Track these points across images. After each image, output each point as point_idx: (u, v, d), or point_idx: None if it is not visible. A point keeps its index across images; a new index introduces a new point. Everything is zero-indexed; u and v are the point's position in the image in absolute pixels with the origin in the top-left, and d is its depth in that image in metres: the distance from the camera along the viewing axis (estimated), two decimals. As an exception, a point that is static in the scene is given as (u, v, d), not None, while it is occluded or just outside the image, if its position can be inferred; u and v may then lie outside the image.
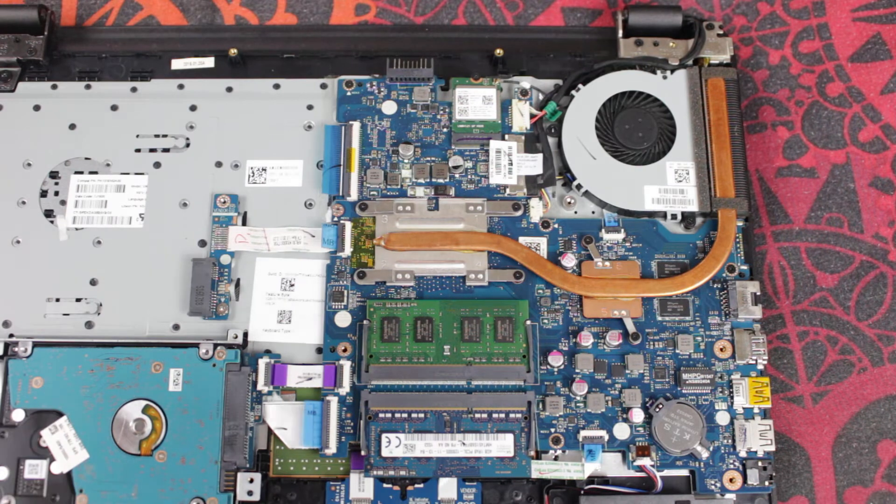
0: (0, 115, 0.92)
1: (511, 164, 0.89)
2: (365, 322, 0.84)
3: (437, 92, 0.92)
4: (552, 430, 0.82)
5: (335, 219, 0.88)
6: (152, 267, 0.87)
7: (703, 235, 0.88)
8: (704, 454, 0.81)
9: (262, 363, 0.83)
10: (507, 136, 0.90)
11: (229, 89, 0.93)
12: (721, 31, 0.93)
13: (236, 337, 0.84)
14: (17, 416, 0.81)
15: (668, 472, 0.82)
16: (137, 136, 0.91)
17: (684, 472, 0.82)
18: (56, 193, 0.90)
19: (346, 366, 0.83)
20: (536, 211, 0.88)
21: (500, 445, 0.81)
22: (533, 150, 0.90)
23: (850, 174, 0.94)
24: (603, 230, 0.88)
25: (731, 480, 0.82)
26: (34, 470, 0.81)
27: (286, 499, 0.82)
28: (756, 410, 0.83)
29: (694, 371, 0.84)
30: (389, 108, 0.91)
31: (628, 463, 0.83)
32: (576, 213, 0.89)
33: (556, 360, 0.83)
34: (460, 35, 0.97)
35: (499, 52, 0.93)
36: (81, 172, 0.90)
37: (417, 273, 0.86)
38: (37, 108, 0.92)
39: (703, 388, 0.83)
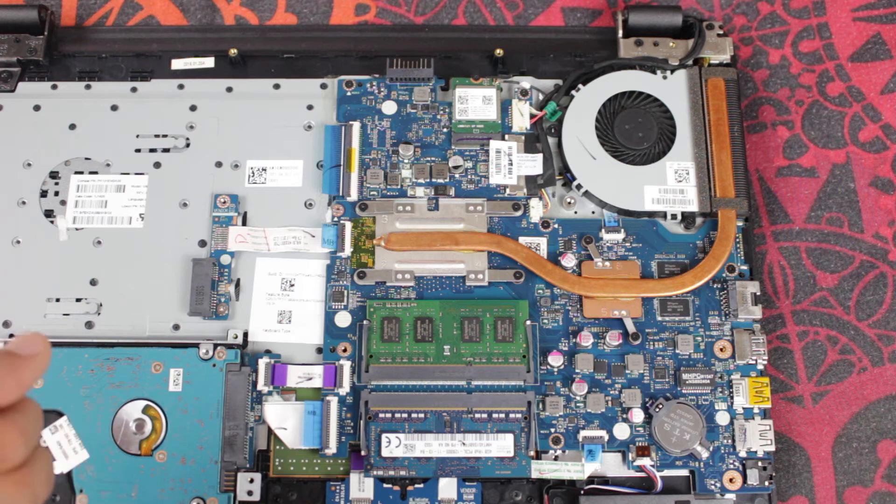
0: (0, 115, 0.92)
1: (511, 164, 0.89)
2: (365, 322, 0.84)
3: (437, 92, 0.92)
4: (552, 430, 0.82)
5: (335, 219, 0.88)
6: (152, 267, 0.87)
7: (703, 235, 0.88)
8: (704, 454, 0.81)
9: (262, 363, 0.83)
10: (507, 136, 0.90)
11: (229, 89, 0.93)
12: (721, 31, 0.93)
13: (236, 337, 0.84)
14: (18, 416, 0.81)
15: (668, 472, 0.82)
16: (137, 136, 0.91)
17: (684, 472, 0.82)
18: (56, 193, 0.90)
19: (346, 366, 0.83)
20: (536, 211, 0.88)
21: (500, 445, 0.81)
22: (533, 150, 0.90)
23: (851, 174, 0.94)
24: (603, 230, 0.88)
25: (730, 480, 0.82)
26: (34, 470, 0.81)
27: (286, 499, 0.82)
28: (756, 410, 0.83)
29: (694, 371, 0.84)
30: (389, 108, 0.91)
31: (628, 463, 0.82)
32: (576, 213, 0.89)
33: (556, 360, 0.83)
34: (460, 35, 0.97)
35: (499, 52, 0.93)
36: (81, 172, 0.90)
37: (417, 273, 0.86)
38: (37, 108, 0.92)
39: (703, 388, 0.83)
